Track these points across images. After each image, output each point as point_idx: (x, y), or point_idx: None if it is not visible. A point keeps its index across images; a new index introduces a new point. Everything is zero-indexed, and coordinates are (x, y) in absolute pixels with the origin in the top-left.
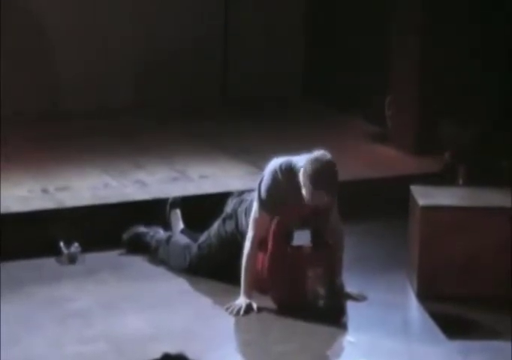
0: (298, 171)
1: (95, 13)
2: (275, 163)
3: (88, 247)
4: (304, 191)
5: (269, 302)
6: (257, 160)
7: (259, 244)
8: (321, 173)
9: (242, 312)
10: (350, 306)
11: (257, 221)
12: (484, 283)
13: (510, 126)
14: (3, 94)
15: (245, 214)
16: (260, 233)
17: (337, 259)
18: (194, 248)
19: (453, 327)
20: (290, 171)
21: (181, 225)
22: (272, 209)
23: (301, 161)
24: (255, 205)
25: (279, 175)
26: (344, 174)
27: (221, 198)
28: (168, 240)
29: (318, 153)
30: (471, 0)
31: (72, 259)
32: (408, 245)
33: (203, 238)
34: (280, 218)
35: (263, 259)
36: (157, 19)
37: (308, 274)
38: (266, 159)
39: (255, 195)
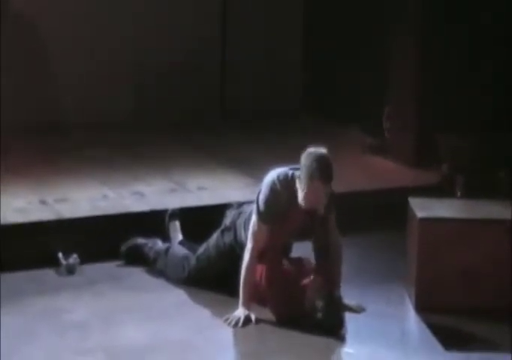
0: (295, 180)
1: (96, 28)
2: (273, 174)
3: (86, 258)
4: (300, 191)
5: (267, 314)
6: (256, 172)
7: (258, 255)
8: (316, 164)
9: (240, 323)
10: (349, 317)
11: (255, 233)
12: (483, 294)
13: (508, 137)
14: (4, 107)
15: (244, 226)
16: (259, 245)
17: (335, 270)
18: (193, 260)
19: (451, 338)
20: (287, 181)
21: (179, 236)
22: (271, 220)
23: (298, 171)
24: (254, 217)
25: (277, 186)
26: (343, 186)
27: (219, 209)
28: (167, 251)
29: (313, 148)
30: (470, 12)
31: (71, 271)
32: (406, 257)
33: (201, 249)
34: (278, 229)
35: (261, 270)
36: (156, 33)
37: (305, 286)
38: (265, 171)
39: (254, 207)
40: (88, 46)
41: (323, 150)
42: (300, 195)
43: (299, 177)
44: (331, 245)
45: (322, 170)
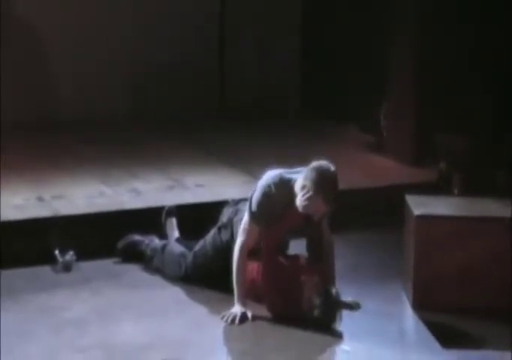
0: (293, 184)
1: (95, 25)
2: (269, 176)
3: (83, 255)
4: (299, 197)
5: (264, 311)
6: (253, 169)
7: (253, 252)
8: (324, 180)
9: (237, 320)
10: (346, 315)
11: (246, 232)
12: (480, 292)
13: (506, 137)
14: (3, 105)
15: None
16: (248, 242)
17: (330, 267)
18: (190, 257)
19: (448, 336)
20: (284, 184)
21: (176, 233)
22: (263, 222)
23: (295, 174)
24: (246, 216)
25: (272, 189)
26: (341, 183)
27: (216, 207)
28: (163, 248)
29: (323, 162)
30: (470, 12)
31: (67, 268)
32: (404, 254)
33: (198, 246)
34: (274, 227)
35: (258, 268)
36: (156, 31)
37: (302, 283)
38: (263, 168)
39: (247, 206)
40: (88, 44)
41: (332, 167)
42: (299, 200)
43: (302, 186)
44: (325, 243)
45: (329, 191)
